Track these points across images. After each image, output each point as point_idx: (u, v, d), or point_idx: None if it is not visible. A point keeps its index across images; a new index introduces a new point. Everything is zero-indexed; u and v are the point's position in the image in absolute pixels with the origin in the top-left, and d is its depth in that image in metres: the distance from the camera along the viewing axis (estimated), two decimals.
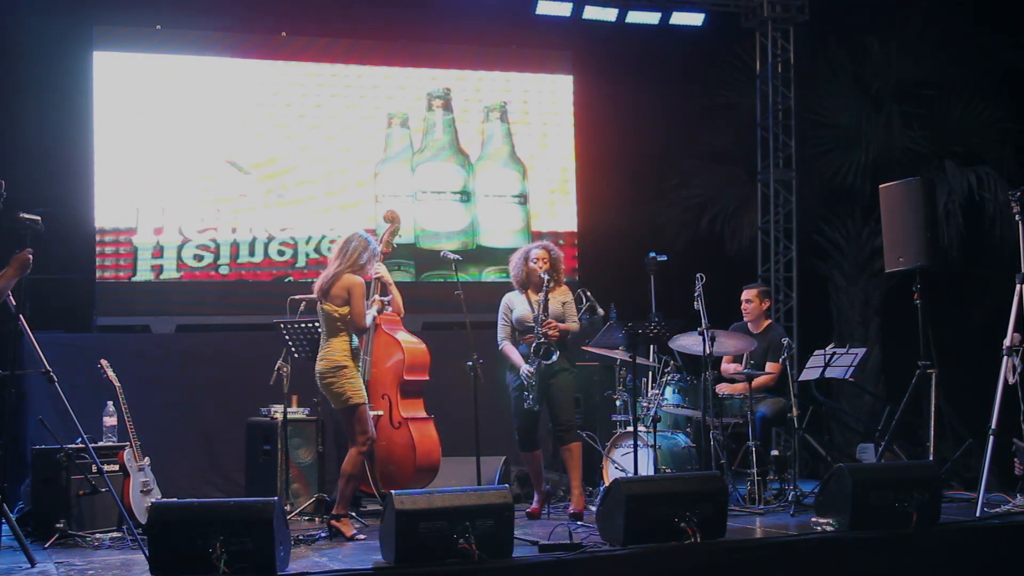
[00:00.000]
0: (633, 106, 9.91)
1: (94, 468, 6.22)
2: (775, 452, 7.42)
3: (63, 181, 8.40)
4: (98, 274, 8.51)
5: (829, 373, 7.83)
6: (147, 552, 5.14)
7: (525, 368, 6.83)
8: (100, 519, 6.60)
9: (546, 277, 6.85)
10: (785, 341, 7.39)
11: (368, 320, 6.33)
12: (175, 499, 6.63)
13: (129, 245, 8.57)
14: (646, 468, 7.21)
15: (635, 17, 9.78)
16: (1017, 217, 6.66)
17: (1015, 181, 7.60)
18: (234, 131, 8.90)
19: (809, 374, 7.91)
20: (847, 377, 7.95)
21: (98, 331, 8.40)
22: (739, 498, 7.06)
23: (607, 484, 6.91)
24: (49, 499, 6.55)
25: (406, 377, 7.06)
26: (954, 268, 9.67)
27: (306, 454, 7.45)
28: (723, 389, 7.63)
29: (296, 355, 6.98)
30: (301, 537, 6.11)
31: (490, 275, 9.41)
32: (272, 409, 7.47)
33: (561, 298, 7.00)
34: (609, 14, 9.75)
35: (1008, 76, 10.38)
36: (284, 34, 9.14)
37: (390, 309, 7.06)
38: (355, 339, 6.34)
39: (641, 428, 7.23)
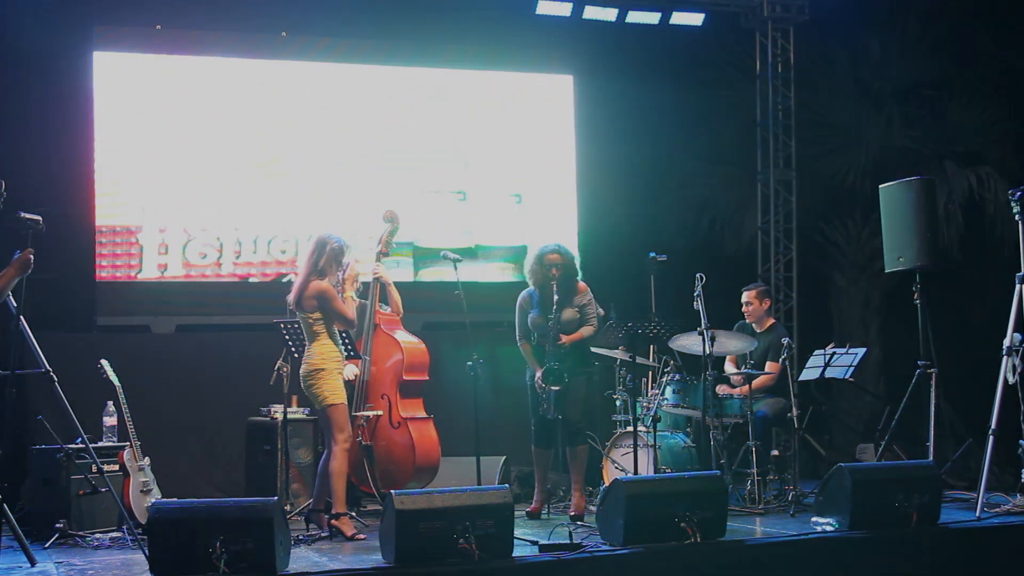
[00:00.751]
0: (633, 106, 9.90)
1: (94, 468, 6.23)
2: (775, 452, 7.42)
3: (63, 181, 8.40)
4: (100, 273, 8.51)
5: (829, 373, 7.84)
6: (147, 552, 5.14)
7: (537, 376, 6.84)
8: (100, 519, 6.60)
9: (557, 295, 6.77)
10: (785, 341, 7.39)
11: (352, 311, 6.32)
12: (175, 499, 6.62)
13: (134, 244, 8.58)
14: (646, 468, 7.21)
15: (635, 17, 9.78)
16: (1017, 217, 6.66)
17: (1015, 181, 7.57)
18: (235, 131, 8.90)
19: (809, 374, 7.92)
20: (847, 377, 7.95)
21: (98, 331, 8.41)
22: (739, 498, 7.07)
23: (607, 484, 6.92)
24: (49, 499, 6.56)
25: (405, 377, 7.06)
26: (954, 268, 9.66)
27: (306, 454, 7.46)
28: (723, 390, 7.63)
29: (296, 355, 6.97)
30: (301, 537, 6.12)
31: (488, 273, 9.41)
32: (272, 409, 7.47)
33: (578, 301, 6.97)
34: (609, 14, 9.75)
35: (1008, 76, 10.37)
36: (284, 34, 9.14)
37: (388, 309, 7.07)
38: (338, 339, 6.37)
39: (641, 428, 7.24)
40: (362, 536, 6.24)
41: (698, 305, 7.10)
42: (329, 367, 6.27)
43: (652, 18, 9.81)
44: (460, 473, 7.32)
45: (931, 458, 7.11)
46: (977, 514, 6.42)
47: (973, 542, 6.15)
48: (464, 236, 9.46)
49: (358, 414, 6.83)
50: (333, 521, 6.26)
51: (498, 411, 8.05)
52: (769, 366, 7.56)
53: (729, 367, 7.91)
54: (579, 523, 6.56)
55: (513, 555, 5.38)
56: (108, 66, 8.61)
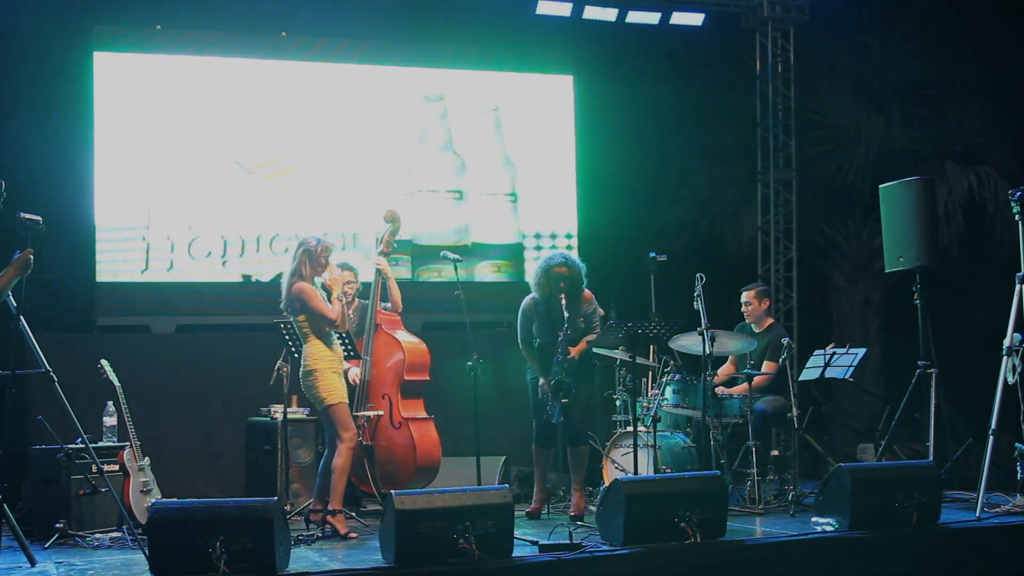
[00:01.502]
0: (633, 106, 9.90)
1: (94, 468, 6.22)
2: (775, 452, 7.42)
3: (63, 181, 8.40)
4: (100, 273, 8.51)
5: (829, 373, 7.84)
6: (147, 552, 5.14)
7: (542, 383, 6.83)
8: (100, 519, 6.60)
9: (567, 312, 6.73)
10: (785, 341, 7.39)
11: (334, 312, 6.31)
12: (175, 499, 6.62)
13: (135, 244, 8.58)
14: (646, 468, 7.21)
15: (635, 17, 9.78)
16: (1017, 217, 6.65)
17: (1015, 181, 7.58)
18: (235, 131, 8.90)
19: (809, 374, 7.91)
20: (847, 377, 7.95)
21: (98, 331, 8.41)
22: (739, 498, 7.06)
23: (607, 484, 6.91)
24: (49, 499, 6.56)
25: (407, 377, 7.06)
26: (954, 268, 9.67)
27: (306, 454, 7.46)
28: (723, 390, 7.62)
29: (296, 355, 6.97)
30: (301, 537, 6.12)
31: (485, 272, 9.42)
32: (272, 409, 7.48)
33: (584, 310, 6.95)
34: (609, 14, 9.75)
35: (1008, 76, 10.37)
36: (284, 34, 9.14)
37: (388, 306, 7.07)
38: (332, 338, 6.37)
39: (641, 428, 7.24)
40: (354, 535, 6.25)
41: (698, 305, 7.10)
42: (320, 367, 6.27)
43: (652, 18, 9.81)
44: (460, 473, 7.32)
45: (931, 458, 7.11)
46: (977, 514, 6.41)
47: (973, 542, 6.15)
48: (462, 234, 9.45)
49: (359, 414, 6.83)
50: (329, 517, 6.26)
51: (498, 411, 8.05)
52: (766, 366, 7.56)
53: (729, 367, 7.91)
54: (579, 523, 6.56)
55: (513, 555, 5.38)
56: (108, 66, 8.61)
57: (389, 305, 7.13)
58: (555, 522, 6.50)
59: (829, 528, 6.02)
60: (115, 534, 6.46)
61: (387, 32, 9.41)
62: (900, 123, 10.42)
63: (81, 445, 6.23)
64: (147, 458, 6.83)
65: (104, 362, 6.88)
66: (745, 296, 7.88)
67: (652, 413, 7.42)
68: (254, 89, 9.00)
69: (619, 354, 7.66)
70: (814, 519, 6.16)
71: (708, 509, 5.68)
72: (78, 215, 8.42)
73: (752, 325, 7.85)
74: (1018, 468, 6.78)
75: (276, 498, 5.44)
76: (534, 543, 5.71)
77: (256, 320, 8.31)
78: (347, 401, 6.39)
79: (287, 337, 7.01)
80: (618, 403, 7.92)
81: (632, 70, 10.05)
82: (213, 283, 8.80)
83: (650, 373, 8.00)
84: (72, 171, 8.50)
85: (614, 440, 7.65)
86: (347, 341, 6.84)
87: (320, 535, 6.24)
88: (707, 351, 7.03)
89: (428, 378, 7.21)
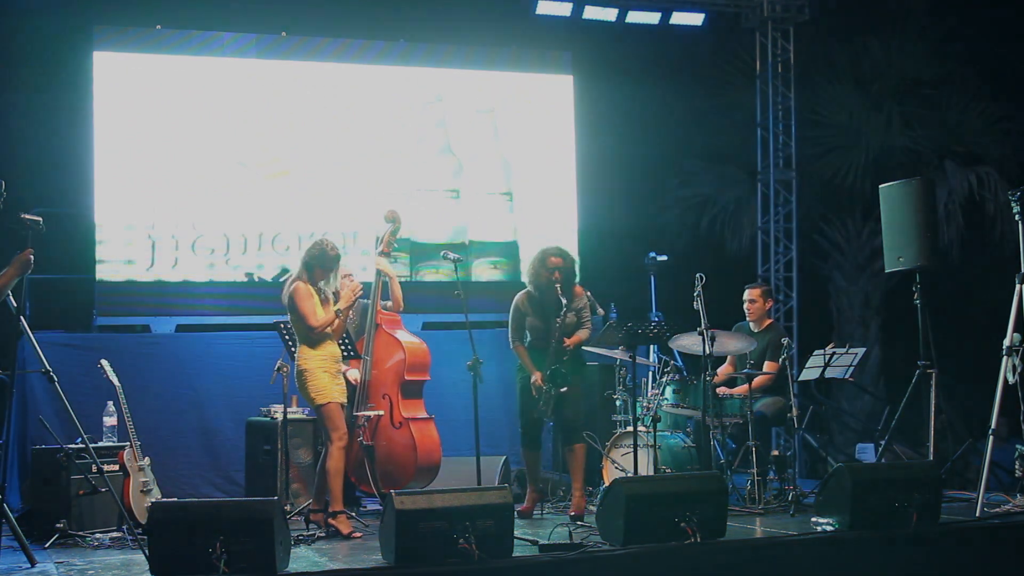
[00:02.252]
0: (633, 106, 9.92)
1: (94, 468, 6.22)
2: (775, 452, 7.41)
3: (63, 181, 8.42)
4: (100, 273, 8.51)
5: (829, 373, 7.83)
6: (147, 552, 5.14)
7: (535, 378, 6.83)
8: (100, 519, 6.59)
9: (564, 298, 6.77)
10: (785, 341, 7.38)
11: (319, 319, 6.30)
12: (175, 499, 6.63)
13: (135, 244, 8.58)
14: (646, 468, 7.21)
15: (635, 17, 9.79)
16: (1017, 217, 6.65)
17: (1015, 181, 7.60)
18: (235, 130, 8.91)
19: (809, 374, 7.90)
20: (847, 377, 7.95)
21: (98, 331, 8.41)
22: (739, 498, 7.06)
23: (607, 484, 6.91)
24: (49, 499, 6.55)
25: (407, 377, 7.05)
26: (954, 268, 9.68)
27: (306, 454, 7.45)
28: (723, 390, 7.62)
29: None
30: (301, 537, 6.11)
31: (482, 270, 9.42)
32: (272, 409, 7.47)
33: (576, 305, 6.95)
34: (609, 14, 9.76)
35: (1008, 76, 10.38)
36: (284, 34, 9.15)
37: (388, 304, 7.07)
38: (324, 340, 6.36)
39: (641, 428, 7.23)
40: (358, 535, 6.25)
41: (698, 305, 7.09)
42: (311, 367, 6.28)
43: (652, 18, 9.82)
44: (460, 473, 7.31)
45: (931, 458, 7.11)
46: (977, 514, 6.41)
47: (973, 542, 6.15)
48: (460, 233, 9.46)
49: (359, 414, 6.82)
50: (330, 519, 6.27)
51: (498, 411, 8.05)
52: (767, 366, 7.55)
53: (728, 367, 7.90)
54: (579, 523, 6.55)
55: (513, 555, 5.38)
56: (108, 66, 8.61)
57: (390, 304, 7.13)
58: (554, 521, 6.49)
59: (829, 528, 6.02)
60: (115, 534, 6.45)
61: (387, 32, 9.41)
62: (900, 123, 10.43)
63: (81, 445, 6.22)
64: (147, 458, 6.83)
65: (104, 362, 6.87)
66: (750, 294, 7.85)
67: (652, 413, 7.42)
68: (254, 89, 9.00)
69: (619, 354, 7.66)
70: (814, 519, 6.15)
71: (708, 509, 5.68)
72: (78, 215, 8.43)
73: (751, 325, 7.84)
74: (1017, 468, 6.79)
75: (276, 498, 5.44)
76: (534, 543, 5.71)
77: (256, 320, 8.32)
78: (341, 401, 6.37)
79: (287, 337, 7.01)
80: (618, 403, 7.92)
81: (632, 70, 10.06)
82: (213, 283, 8.80)
83: (650, 373, 7.99)
84: (72, 171, 8.51)
85: (614, 440, 7.65)
86: (347, 341, 6.83)
87: (320, 535, 6.23)
88: (707, 351, 7.03)
89: (428, 378, 7.20)
